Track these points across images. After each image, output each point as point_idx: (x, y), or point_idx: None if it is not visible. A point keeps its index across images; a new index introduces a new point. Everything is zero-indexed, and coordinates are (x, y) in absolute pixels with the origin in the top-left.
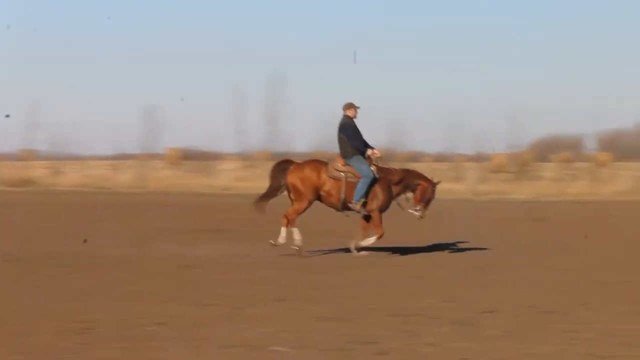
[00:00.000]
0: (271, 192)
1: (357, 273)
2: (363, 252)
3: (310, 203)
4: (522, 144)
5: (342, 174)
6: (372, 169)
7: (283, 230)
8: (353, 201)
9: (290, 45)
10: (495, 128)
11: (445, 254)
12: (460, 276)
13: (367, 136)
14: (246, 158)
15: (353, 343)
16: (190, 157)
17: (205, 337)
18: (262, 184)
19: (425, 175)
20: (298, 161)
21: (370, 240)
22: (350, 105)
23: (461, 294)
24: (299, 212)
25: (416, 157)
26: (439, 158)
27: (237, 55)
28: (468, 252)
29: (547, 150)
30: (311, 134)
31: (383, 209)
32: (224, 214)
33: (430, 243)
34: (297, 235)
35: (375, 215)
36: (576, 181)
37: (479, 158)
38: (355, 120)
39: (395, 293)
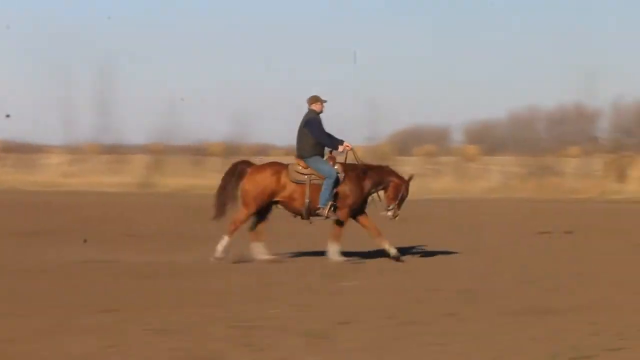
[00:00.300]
0: (226, 200)
1: (198, 279)
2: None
3: (255, 211)
4: (381, 135)
5: (305, 176)
6: (335, 168)
7: (225, 239)
8: (320, 206)
9: (121, 28)
10: (351, 118)
11: (296, 258)
12: (312, 283)
13: (207, 126)
14: (74, 151)
15: (189, 358)
16: (10, 150)
17: (22, 353)
18: (91, 179)
19: (397, 172)
20: (255, 163)
21: (334, 249)
22: (315, 99)
23: (313, 302)
24: (243, 222)
25: (264, 150)
26: (291, 151)
27: (64, 37)
28: (320, 256)
29: (408, 142)
30: (146, 125)
31: (355, 208)
32: (52, 214)
33: (281, 247)
34: (221, 246)
35: (343, 214)
36: (441, 177)
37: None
38: (321, 115)
39: (239, 302)
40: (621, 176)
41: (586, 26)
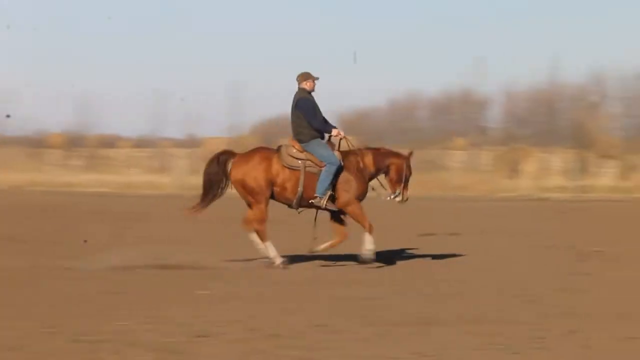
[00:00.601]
0: (210, 195)
1: (37, 288)
2: (369, 257)
3: (267, 200)
4: (244, 125)
5: (299, 162)
6: (336, 154)
7: (253, 235)
8: (316, 195)
9: None
10: (211, 107)
11: (147, 264)
12: (167, 292)
13: (46, 116)
14: None
15: None
16: None
17: None
18: None
19: (395, 150)
20: (240, 152)
21: (369, 241)
22: (307, 76)
23: (168, 313)
24: (264, 218)
25: (111, 141)
26: (140, 143)
27: None
28: (174, 261)
29: (274, 133)
30: None
31: (361, 198)
32: None
33: (130, 250)
34: (272, 252)
35: (353, 208)
36: None
37: (191, 143)
38: (313, 94)
39: (83, 313)
40: (513, 171)
41: (476, 7)
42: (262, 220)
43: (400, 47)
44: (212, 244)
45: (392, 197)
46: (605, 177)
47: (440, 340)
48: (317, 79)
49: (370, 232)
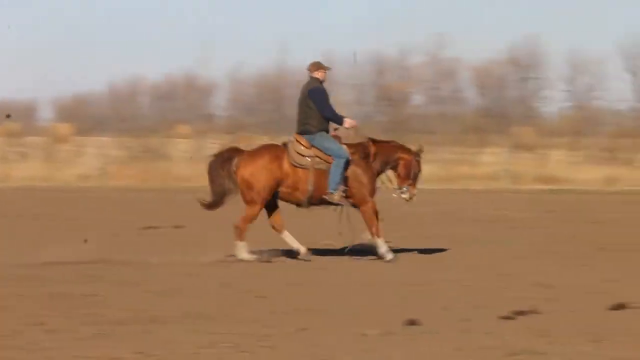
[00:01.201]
0: (219, 198)
1: None
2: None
3: (263, 205)
4: None
5: (308, 159)
6: (343, 147)
7: (240, 245)
8: (329, 192)
9: None
10: None
11: None
12: None
13: None
14: None
15: None
16: None
17: None
18: None
19: (405, 145)
20: (247, 149)
21: (380, 246)
22: (318, 65)
23: None
24: (251, 221)
25: None
26: None
27: None
28: None
29: None
30: None
31: (372, 194)
32: None
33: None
34: (244, 253)
35: (367, 207)
36: (26, 161)
37: None
38: (324, 84)
39: None
40: None
41: None
42: (251, 220)
43: (121, 28)
44: None
45: (398, 192)
46: None
47: (165, 338)
48: (329, 69)
49: (378, 236)
